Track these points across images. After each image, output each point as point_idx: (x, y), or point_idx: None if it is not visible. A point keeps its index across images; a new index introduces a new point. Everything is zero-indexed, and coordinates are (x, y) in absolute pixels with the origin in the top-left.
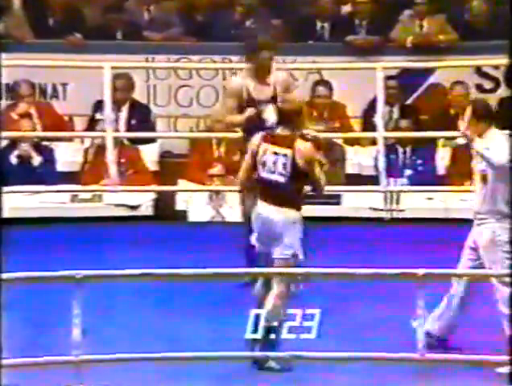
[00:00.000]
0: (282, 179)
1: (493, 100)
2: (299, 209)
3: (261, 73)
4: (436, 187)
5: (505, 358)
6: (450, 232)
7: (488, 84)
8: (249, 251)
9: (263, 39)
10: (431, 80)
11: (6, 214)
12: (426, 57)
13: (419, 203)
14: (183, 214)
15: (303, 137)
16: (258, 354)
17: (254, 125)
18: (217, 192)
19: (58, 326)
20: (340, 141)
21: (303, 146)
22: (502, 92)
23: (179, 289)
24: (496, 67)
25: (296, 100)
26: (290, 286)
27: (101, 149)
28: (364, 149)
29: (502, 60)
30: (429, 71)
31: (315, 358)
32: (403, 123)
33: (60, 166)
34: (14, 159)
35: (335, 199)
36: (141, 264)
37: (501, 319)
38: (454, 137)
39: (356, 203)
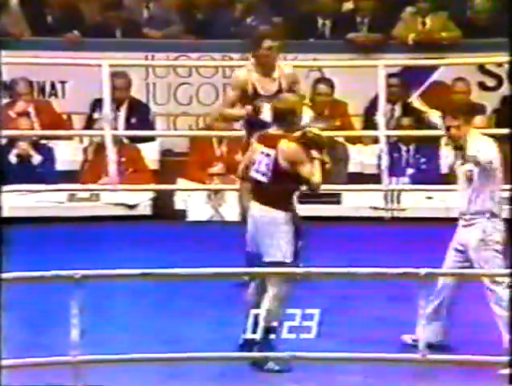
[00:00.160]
0: (264, 179)
1: (495, 97)
2: (286, 210)
3: (265, 66)
4: (437, 186)
5: (506, 358)
6: (451, 231)
7: (490, 82)
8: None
9: (265, 29)
10: (434, 77)
11: (5, 213)
12: (428, 54)
13: (419, 202)
14: (182, 213)
15: (303, 136)
16: (257, 355)
17: (254, 121)
18: (216, 191)
19: (56, 326)
20: (341, 140)
21: (286, 146)
22: (505, 89)
23: (178, 288)
24: (499, 65)
25: (292, 98)
26: (285, 287)
27: (100, 148)
28: (366, 147)
29: (505, 58)
30: (431, 69)
31: (314, 358)
32: (405, 121)
33: (60, 165)
34: (13, 158)
35: (335, 198)
36: (139, 263)
37: (496, 320)
38: None
39: (356, 202)
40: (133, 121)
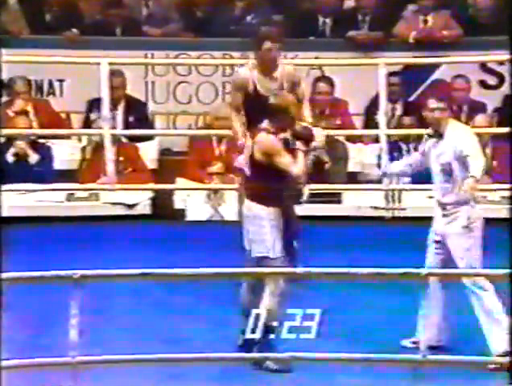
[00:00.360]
0: (247, 172)
1: (497, 96)
2: (270, 205)
3: (266, 65)
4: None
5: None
6: None
7: (492, 80)
8: None
9: (267, 29)
10: (435, 76)
11: (4, 213)
12: (430, 53)
13: (420, 201)
14: (181, 213)
15: (296, 134)
16: (257, 355)
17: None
18: (216, 191)
19: (55, 326)
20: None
21: (263, 138)
22: (507, 88)
23: (178, 288)
24: (501, 63)
25: (288, 98)
26: (281, 284)
27: (99, 147)
28: (366, 146)
29: (507, 56)
30: (433, 68)
31: (314, 358)
32: (406, 120)
33: (58, 164)
34: (10, 157)
35: (336, 198)
36: (139, 263)
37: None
38: None
39: (357, 201)
40: (130, 119)
